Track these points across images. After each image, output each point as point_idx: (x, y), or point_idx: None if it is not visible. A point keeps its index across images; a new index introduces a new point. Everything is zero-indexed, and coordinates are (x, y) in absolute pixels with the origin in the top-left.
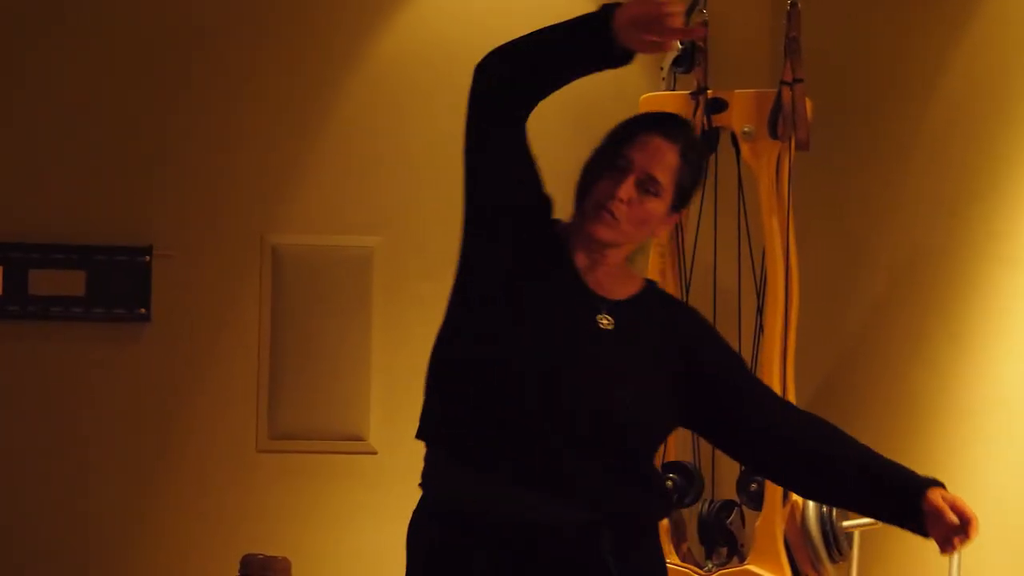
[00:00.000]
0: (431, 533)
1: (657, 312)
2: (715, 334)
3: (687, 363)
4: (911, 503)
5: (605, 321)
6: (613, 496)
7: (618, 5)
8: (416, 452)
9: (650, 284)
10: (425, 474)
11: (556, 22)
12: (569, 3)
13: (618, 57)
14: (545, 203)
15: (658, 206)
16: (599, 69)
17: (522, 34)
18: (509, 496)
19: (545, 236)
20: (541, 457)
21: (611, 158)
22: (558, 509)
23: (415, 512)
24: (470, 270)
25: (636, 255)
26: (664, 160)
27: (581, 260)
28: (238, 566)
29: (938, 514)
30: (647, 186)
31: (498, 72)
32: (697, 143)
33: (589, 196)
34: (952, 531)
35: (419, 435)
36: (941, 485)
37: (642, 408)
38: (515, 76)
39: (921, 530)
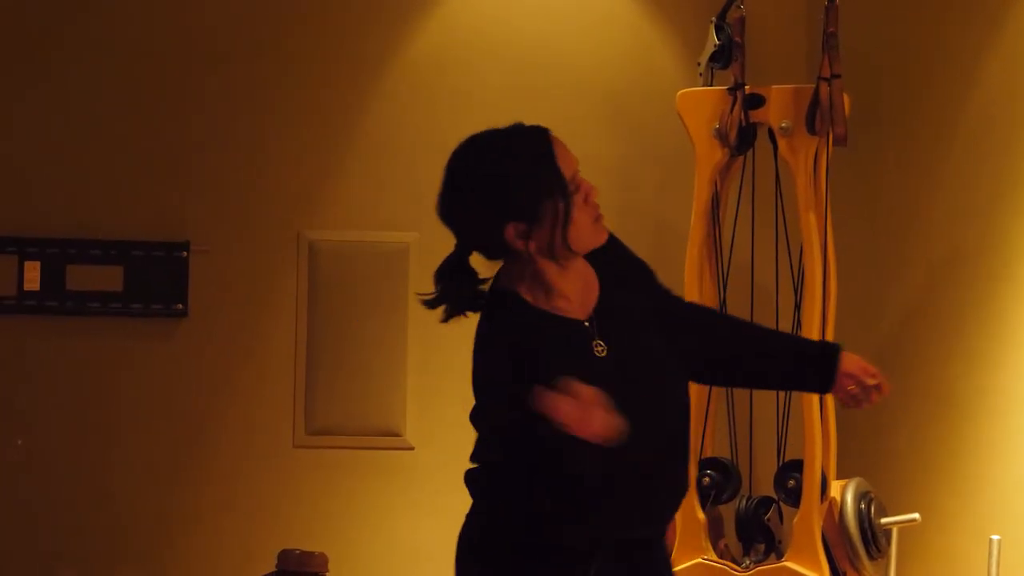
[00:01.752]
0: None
1: (619, 283)
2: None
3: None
4: (826, 370)
5: (599, 348)
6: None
7: None
8: (452, 447)
9: (592, 259)
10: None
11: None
12: (604, 2)
13: None
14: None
15: None
16: None
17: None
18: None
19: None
20: (646, 506)
21: (559, 184)
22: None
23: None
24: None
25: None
26: (569, 150)
27: (573, 291)
28: (275, 561)
29: (856, 375)
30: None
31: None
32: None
33: (573, 226)
34: (870, 389)
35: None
36: (840, 347)
37: (679, 393)
38: None
39: (827, 390)
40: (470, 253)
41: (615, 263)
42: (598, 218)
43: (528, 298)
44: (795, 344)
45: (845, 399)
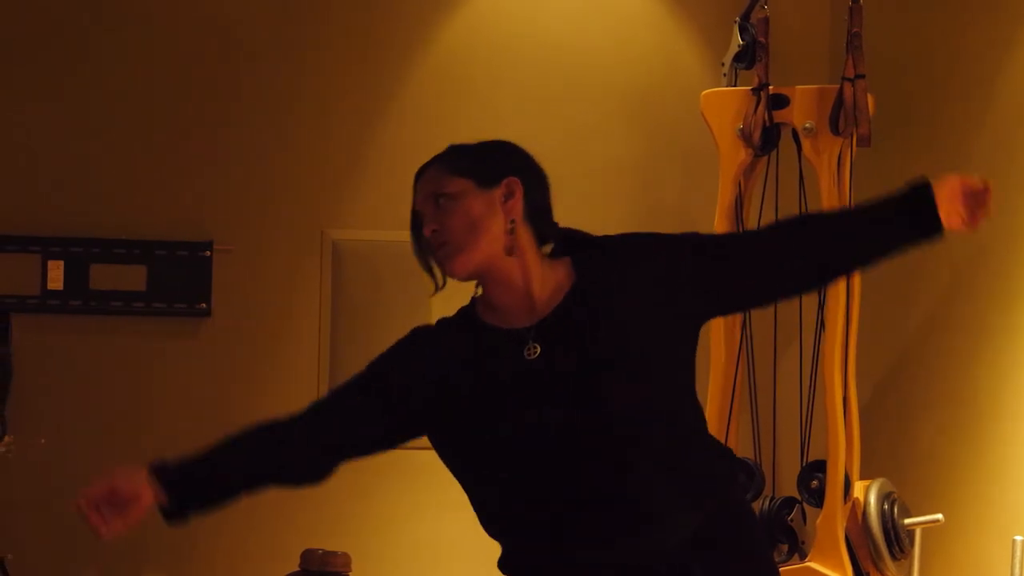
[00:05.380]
0: None
1: (602, 284)
2: (678, 253)
3: (675, 301)
4: (923, 205)
5: (532, 350)
6: (669, 519)
7: None
8: None
9: (581, 260)
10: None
11: None
12: (628, 3)
13: None
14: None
15: (465, 200)
16: None
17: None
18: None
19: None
20: (573, 516)
21: (416, 223)
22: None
23: None
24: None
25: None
26: (435, 177)
27: (505, 303)
28: (298, 560)
29: (953, 194)
30: (439, 201)
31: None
32: (453, 145)
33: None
34: (976, 201)
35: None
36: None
37: (628, 405)
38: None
39: (938, 226)
40: None
41: (621, 267)
42: (435, 252)
43: (479, 310)
44: (875, 205)
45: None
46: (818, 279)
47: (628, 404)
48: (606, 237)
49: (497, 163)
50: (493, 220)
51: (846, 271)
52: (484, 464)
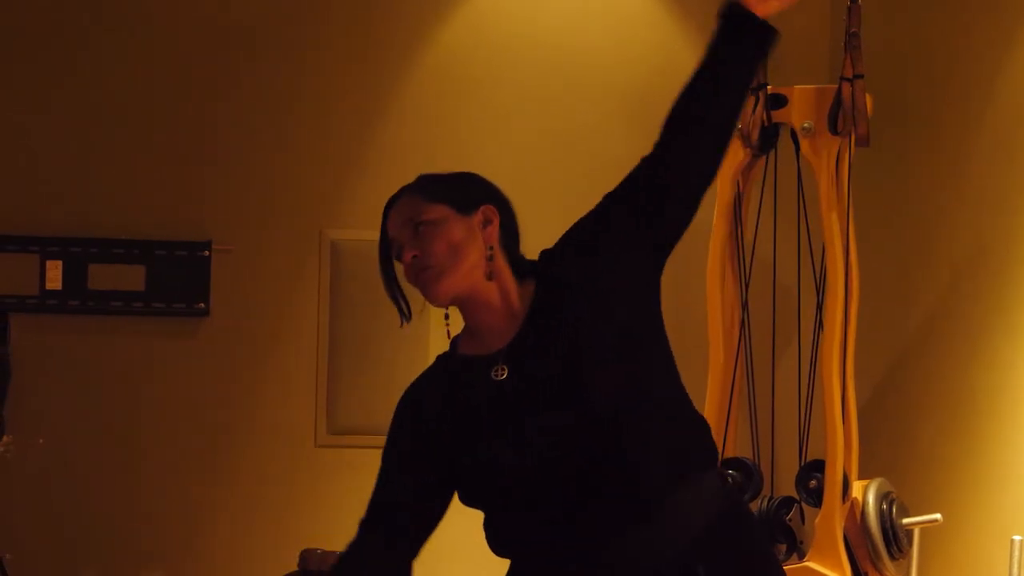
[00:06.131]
0: None
1: (561, 283)
2: (607, 213)
3: (631, 256)
4: (743, 19)
5: (499, 371)
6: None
7: None
8: None
9: (540, 273)
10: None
11: None
12: (627, 1)
13: None
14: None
15: (446, 225)
16: None
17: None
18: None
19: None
20: (582, 523)
21: (385, 252)
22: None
23: None
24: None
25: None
26: (411, 204)
27: (487, 324)
28: (297, 560)
29: None
30: (419, 229)
31: None
32: (424, 175)
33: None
34: None
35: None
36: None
37: (614, 392)
38: None
39: (766, 27)
40: None
41: (563, 267)
42: (416, 277)
43: (459, 345)
44: (714, 51)
45: None
46: (720, 133)
47: (614, 391)
48: (548, 251)
49: (473, 191)
50: (473, 245)
51: (734, 111)
52: (473, 486)
